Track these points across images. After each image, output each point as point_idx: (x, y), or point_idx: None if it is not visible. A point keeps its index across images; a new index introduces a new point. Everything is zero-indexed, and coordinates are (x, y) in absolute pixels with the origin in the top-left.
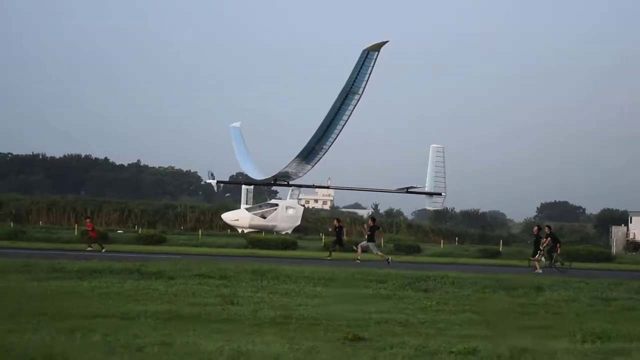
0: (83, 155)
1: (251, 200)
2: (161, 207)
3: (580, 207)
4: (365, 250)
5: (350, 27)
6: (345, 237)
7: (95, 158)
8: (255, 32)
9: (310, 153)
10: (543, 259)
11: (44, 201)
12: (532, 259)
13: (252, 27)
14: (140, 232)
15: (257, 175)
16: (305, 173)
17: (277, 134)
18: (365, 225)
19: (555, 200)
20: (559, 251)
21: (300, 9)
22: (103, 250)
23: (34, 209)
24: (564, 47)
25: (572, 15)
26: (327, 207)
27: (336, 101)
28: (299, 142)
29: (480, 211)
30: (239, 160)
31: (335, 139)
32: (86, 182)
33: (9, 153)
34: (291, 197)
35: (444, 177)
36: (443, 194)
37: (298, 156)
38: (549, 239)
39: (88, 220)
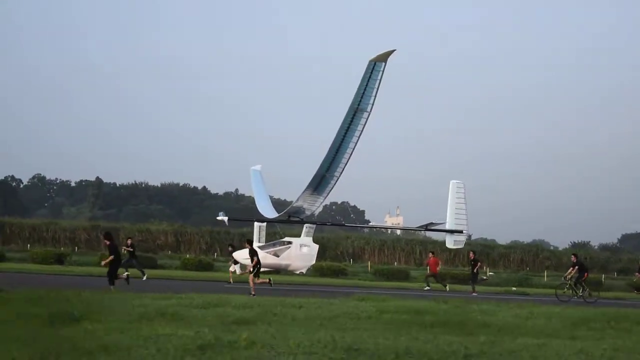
0: (181, 184)
1: (264, 238)
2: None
3: None
4: None
5: (361, 39)
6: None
7: (194, 187)
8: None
9: (320, 182)
10: (568, 289)
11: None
12: None
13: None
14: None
15: (271, 214)
16: (319, 206)
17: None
18: None
19: (637, 232)
20: (586, 280)
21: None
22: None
23: None
24: None
25: None
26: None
27: (344, 121)
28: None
29: (616, 244)
30: (257, 200)
31: (347, 164)
32: (194, 210)
33: (113, 182)
34: (306, 235)
35: (466, 214)
36: (465, 231)
37: (308, 187)
38: (575, 267)
39: (431, 255)
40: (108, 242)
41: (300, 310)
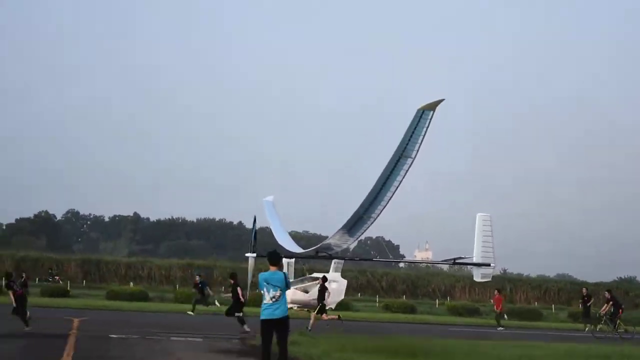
0: (217, 219)
1: (292, 274)
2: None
3: None
4: None
5: (405, 85)
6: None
7: (230, 221)
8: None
9: (356, 223)
10: (604, 325)
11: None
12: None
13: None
14: None
15: (294, 249)
16: (348, 245)
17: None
18: None
19: None
20: (621, 316)
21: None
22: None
23: None
24: None
25: None
26: None
27: (387, 166)
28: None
29: None
30: (276, 234)
31: (385, 207)
32: (232, 245)
33: (147, 218)
34: (335, 271)
35: (492, 247)
36: (492, 264)
37: (343, 227)
38: (610, 304)
39: (497, 292)
40: (232, 282)
41: None
